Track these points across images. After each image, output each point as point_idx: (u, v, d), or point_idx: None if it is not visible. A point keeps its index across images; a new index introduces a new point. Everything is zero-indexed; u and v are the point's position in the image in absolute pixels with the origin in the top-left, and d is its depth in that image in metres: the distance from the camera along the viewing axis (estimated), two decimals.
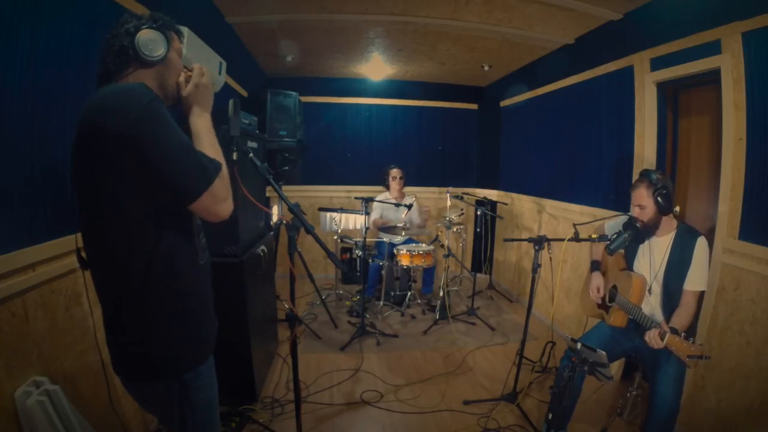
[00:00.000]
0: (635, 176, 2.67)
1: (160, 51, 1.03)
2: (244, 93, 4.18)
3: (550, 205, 3.74)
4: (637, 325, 1.90)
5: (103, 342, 1.15)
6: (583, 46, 3.22)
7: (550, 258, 2.30)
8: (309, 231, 1.37)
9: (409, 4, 2.74)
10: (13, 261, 1.30)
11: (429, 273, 4.06)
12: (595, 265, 2.21)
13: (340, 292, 4.17)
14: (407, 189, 4.22)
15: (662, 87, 2.56)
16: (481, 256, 4.74)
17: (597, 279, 2.15)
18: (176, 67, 1.11)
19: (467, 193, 4.45)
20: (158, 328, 1.04)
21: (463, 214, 4.51)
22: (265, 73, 4.60)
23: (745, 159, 1.98)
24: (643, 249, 1.99)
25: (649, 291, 1.93)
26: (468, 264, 5.01)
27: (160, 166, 0.93)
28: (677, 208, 2.44)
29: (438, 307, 3.68)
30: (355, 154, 5.02)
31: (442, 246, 3.91)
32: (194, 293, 1.11)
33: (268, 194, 3.93)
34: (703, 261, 1.82)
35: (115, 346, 1.08)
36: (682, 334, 1.57)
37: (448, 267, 3.76)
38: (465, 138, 5.28)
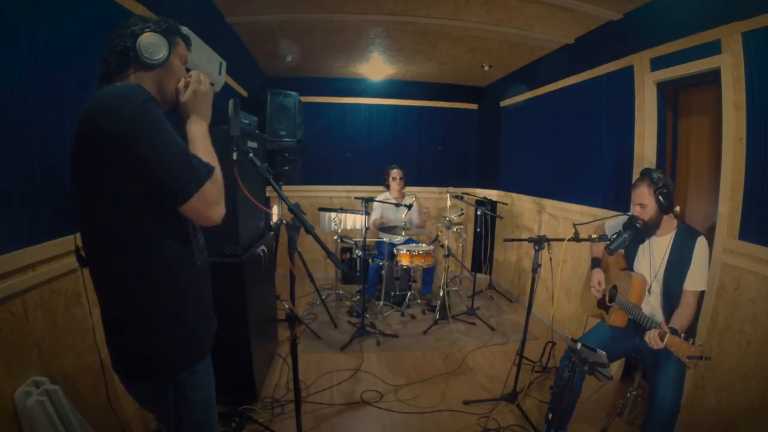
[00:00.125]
0: (635, 176, 2.67)
1: (159, 55, 1.04)
2: (244, 93, 4.18)
3: (550, 205, 3.74)
4: (637, 325, 1.90)
5: (102, 342, 1.15)
6: (583, 46, 3.22)
7: (550, 258, 2.30)
8: (309, 231, 1.37)
9: (409, 4, 2.74)
10: (13, 261, 1.30)
11: (429, 273, 4.06)
12: (596, 262, 2.20)
13: (340, 292, 4.17)
14: (407, 189, 4.22)
15: (662, 87, 2.56)
16: (481, 256, 4.74)
17: (598, 274, 2.14)
18: (177, 73, 1.11)
19: (467, 193, 4.45)
20: (154, 327, 1.05)
21: (463, 214, 4.51)
22: (265, 73, 4.60)
23: (745, 159, 1.98)
24: (643, 249, 1.99)
25: (649, 291, 1.93)
26: (468, 264, 5.01)
27: (152, 167, 0.93)
28: (677, 208, 2.44)
29: (438, 307, 3.68)
30: (355, 154, 5.02)
31: (442, 246, 3.91)
32: (191, 293, 1.12)
33: (268, 194, 3.93)
34: (703, 261, 1.82)
35: (113, 345, 1.09)
36: (682, 334, 1.57)
37: (448, 267, 3.76)
38: (465, 138, 5.28)
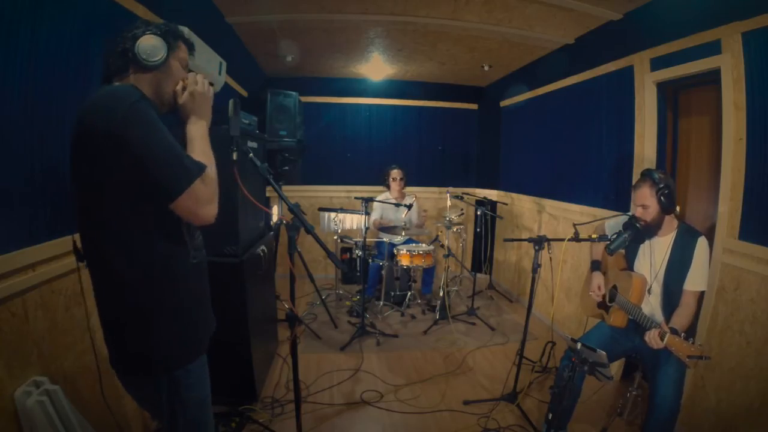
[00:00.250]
0: (635, 176, 2.68)
1: (157, 57, 1.05)
2: (244, 93, 4.18)
3: (550, 205, 3.74)
4: (637, 325, 1.90)
5: (100, 342, 1.16)
6: (583, 46, 3.22)
7: (550, 258, 2.30)
8: (309, 231, 1.37)
9: (409, 4, 2.74)
10: (13, 261, 1.30)
11: (429, 273, 4.06)
12: (596, 265, 2.21)
13: (340, 292, 4.17)
14: (407, 189, 4.22)
15: (662, 87, 2.56)
16: (481, 256, 4.74)
17: (597, 278, 2.15)
18: (175, 75, 1.12)
19: (467, 193, 4.45)
20: (148, 325, 1.06)
21: (463, 214, 4.51)
22: (265, 73, 4.60)
23: (745, 159, 1.98)
24: (643, 249, 1.99)
25: (649, 291, 1.93)
26: (468, 264, 5.01)
27: (144, 164, 0.94)
28: (677, 208, 2.44)
29: (438, 307, 3.68)
30: (355, 154, 5.02)
31: (442, 246, 3.91)
32: (186, 291, 1.12)
33: (268, 194, 3.93)
34: (703, 261, 1.82)
35: (111, 342, 1.11)
36: (682, 334, 1.57)
37: (448, 267, 3.76)
38: (465, 138, 5.28)
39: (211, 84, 1.18)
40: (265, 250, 2.49)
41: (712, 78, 2.13)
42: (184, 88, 1.11)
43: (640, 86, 2.65)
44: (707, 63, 2.14)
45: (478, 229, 4.36)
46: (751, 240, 1.95)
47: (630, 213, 1.99)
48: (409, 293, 3.95)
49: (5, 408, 1.25)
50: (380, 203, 3.88)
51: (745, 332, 1.94)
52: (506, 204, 4.57)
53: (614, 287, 2.06)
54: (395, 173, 4.07)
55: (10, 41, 1.29)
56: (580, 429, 2.22)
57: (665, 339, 1.56)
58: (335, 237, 4.04)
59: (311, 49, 3.72)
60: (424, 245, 3.86)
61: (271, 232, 2.94)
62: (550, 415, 1.90)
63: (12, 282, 1.29)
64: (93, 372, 1.59)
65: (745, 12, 1.90)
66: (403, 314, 3.82)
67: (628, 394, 2.22)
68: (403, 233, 3.62)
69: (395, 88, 4.98)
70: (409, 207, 3.77)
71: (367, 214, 3.48)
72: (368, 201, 3.48)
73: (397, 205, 3.96)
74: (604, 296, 2.10)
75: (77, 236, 1.08)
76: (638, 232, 1.90)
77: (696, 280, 1.82)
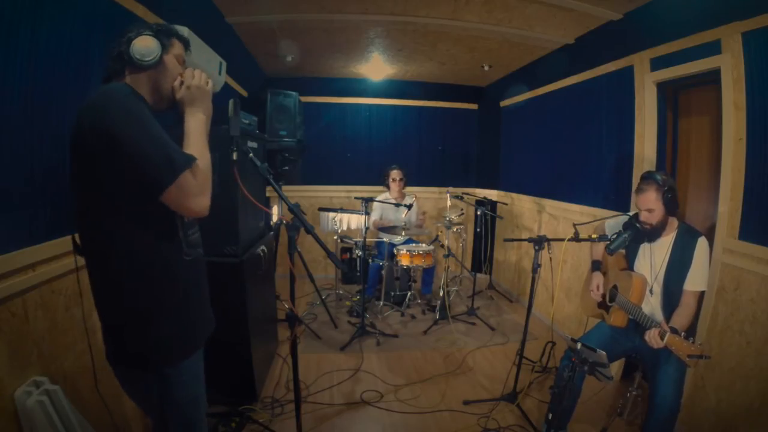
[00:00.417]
0: (635, 176, 2.68)
1: (151, 57, 1.07)
2: (244, 93, 4.18)
3: (550, 205, 3.74)
4: (637, 325, 1.90)
5: (99, 343, 1.16)
6: (583, 46, 3.22)
7: (550, 258, 2.30)
8: (309, 231, 1.37)
9: (409, 4, 2.74)
10: (13, 261, 1.30)
11: (429, 273, 4.06)
12: (596, 265, 2.21)
13: (340, 292, 4.17)
14: (407, 189, 4.22)
15: (662, 87, 2.56)
16: (481, 256, 4.74)
17: (597, 278, 2.15)
18: (172, 72, 1.14)
19: (467, 193, 4.45)
20: (145, 322, 1.08)
21: (463, 214, 4.51)
22: (265, 73, 4.60)
23: (745, 159, 1.98)
24: (643, 249, 1.99)
25: (650, 291, 1.93)
26: (468, 264, 5.01)
27: (133, 159, 0.96)
28: None
29: (438, 307, 3.68)
30: (355, 154, 5.02)
31: (442, 246, 3.91)
32: (183, 290, 1.13)
33: (268, 194, 3.93)
34: (703, 261, 1.82)
35: (108, 338, 1.12)
36: (682, 333, 1.57)
37: (448, 267, 3.76)
38: (465, 138, 5.28)
39: (209, 81, 1.19)
40: (265, 250, 2.49)
41: (712, 78, 2.13)
42: (182, 83, 1.13)
43: (640, 86, 2.65)
44: (707, 63, 2.14)
45: (478, 229, 4.36)
46: (751, 240, 1.94)
47: (630, 213, 1.98)
48: (409, 293, 3.95)
49: (5, 408, 1.25)
50: (380, 203, 3.88)
51: (745, 332, 1.94)
52: (506, 204, 4.57)
53: (614, 287, 2.06)
54: (395, 174, 4.07)
55: (10, 41, 1.29)
56: (580, 429, 2.22)
57: (665, 338, 1.56)
58: (335, 237, 4.04)
59: (311, 49, 3.71)
60: (424, 245, 3.86)
61: (271, 232, 2.94)
62: (550, 415, 1.91)
63: (12, 282, 1.29)
64: (93, 372, 1.59)
65: (745, 12, 1.90)
66: (403, 314, 3.82)
67: (628, 394, 2.22)
68: (403, 233, 3.62)
69: (395, 88, 4.98)
70: (409, 207, 3.77)
71: (367, 214, 3.48)
72: (368, 201, 3.48)
73: (397, 205, 3.96)
74: (603, 296, 2.11)
75: (77, 235, 1.10)
76: (638, 232, 1.90)
77: (696, 280, 1.82)
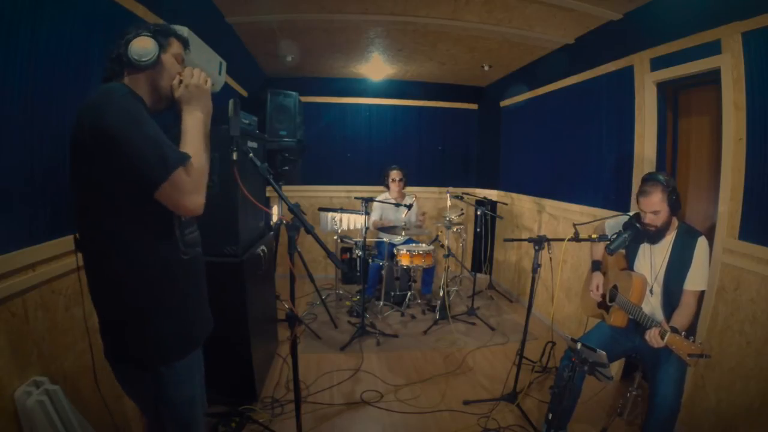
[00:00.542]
0: (635, 176, 2.68)
1: (148, 57, 1.08)
2: (244, 93, 4.18)
3: (550, 205, 3.74)
4: (637, 325, 1.90)
5: (98, 344, 1.16)
6: (583, 46, 3.22)
7: (550, 258, 2.30)
8: (309, 231, 1.37)
9: (409, 4, 2.74)
10: (13, 261, 1.30)
11: (429, 273, 4.06)
12: (596, 265, 2.21)
13: (340, 292, 4.17)
14: (408, 189, 4.22)
15: (662, 87, 2.56)
16: (481, 256, 4.74)
17: (597, 278, 2.15)
18: (170, 71, 1.14)
19: (467, 193, 4.45)
20: (143, 322, 1.08)
21: (463, 214, 4.51)
22: (265, 73, 4.60)
23: (745, 159, 1.98)
24: (643, 249, 1.99)
25: (651, 291, 1.93)
26: (468, 264, 5.01)
27: (127, 157, 0.96)
28: None
29: (438, 307, 3.68)
30: (355, 154, 5.02)
31: (442, 246, 3.91)
32: (181, 289, 1.14)
33: (268, 194, 3.93)
34: (703, 261, 1.82)
35: (106, 336, 1.12)
36: (683, 333, 1.57)
37: (448, 267, 3.76)
38: (465, 138, 5.28)
39: (207, 79, 1.19)
40: (265, 250, 2.49)
41: (712, 78, 2.13)
42: (180, 82, 1.13)
43: (640, 86, 2.65)
44: (707, 63, 2.14)
45: (478, 229, 4.36)
46: (751, 240, 1.94)
47: (630, 213, 1.98)
48: (409, 293, 3.95)
49: (5, 408, 1.25)
50: (380, 203, 3.88)
51: (745, 332, 1.94)
52: (506, 204, 4.57)
53: (614, 287, 2.06)
54: (395, 174, 4.06)
55: (10, 41, 1.29)
56: (580, 429, 2.22)
57: (666, 337, 1.56)
58: (335, 237, 4.04)
59: (311, 49, 3.71)
60: (424, 245, 3.86)
61: (271, 232, 2.94)
62: (550, 415, 1.91)
63: (12, 282, 1.29)
64: (93, 372, 1.59)
65: (745, 12, 1.90)
66: (403, 314, 3.82)
67: (628, 394, 2.22)
68: (403, 233, 3.62)
69: (395, 88, 4.97)
70: (409, 207, 3.77)
71: (367, 214, 3.48)
72: (368, 201, 3.48)
73: (397, 205, 3.96)
74: (603, 296, 2.11)
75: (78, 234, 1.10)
76: (638, 232, 1.90)
77: (696, 279, 1.82)
